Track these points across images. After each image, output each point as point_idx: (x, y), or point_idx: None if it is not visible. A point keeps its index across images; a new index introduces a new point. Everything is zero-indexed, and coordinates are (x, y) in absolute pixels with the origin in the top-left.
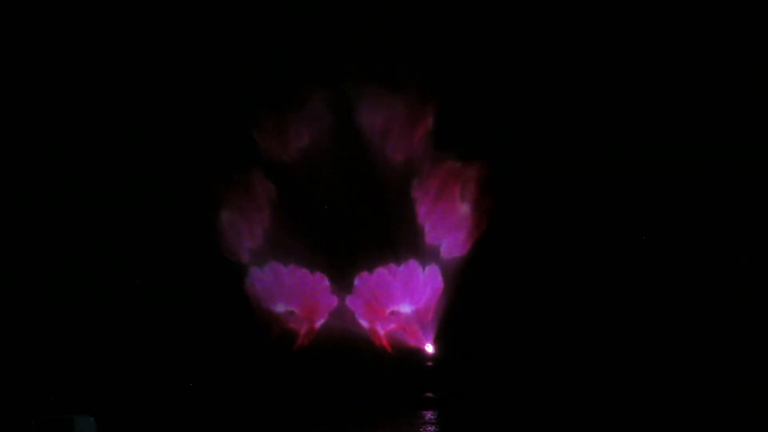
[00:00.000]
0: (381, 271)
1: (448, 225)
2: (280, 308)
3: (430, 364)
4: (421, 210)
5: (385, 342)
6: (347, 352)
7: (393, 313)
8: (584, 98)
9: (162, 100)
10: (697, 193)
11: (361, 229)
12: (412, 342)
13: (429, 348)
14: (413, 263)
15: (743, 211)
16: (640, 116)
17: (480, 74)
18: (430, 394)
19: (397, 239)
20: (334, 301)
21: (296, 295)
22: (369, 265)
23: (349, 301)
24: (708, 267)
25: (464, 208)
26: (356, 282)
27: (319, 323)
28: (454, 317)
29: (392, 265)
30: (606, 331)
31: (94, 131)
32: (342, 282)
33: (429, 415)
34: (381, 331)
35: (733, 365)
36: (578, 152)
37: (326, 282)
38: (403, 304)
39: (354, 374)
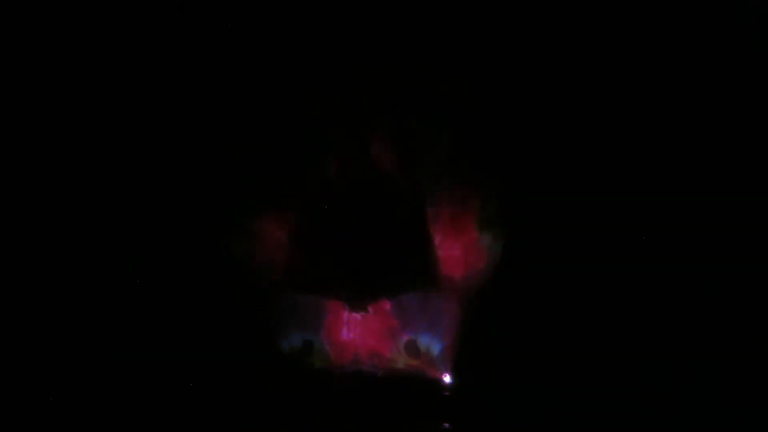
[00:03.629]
0: (397, 299)
1: (466, 253)
2: (298, 339)
3: (447, 393)
4: (438, 237)
5: (400, 370)
6: (361, 379)
7: (409, 341)
8: (614, 119)
9: (186, 129)
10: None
11: (378, 257)
12: (429, 371)
13: (446, 377)
14: (430, 292)
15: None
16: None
17: (497, 99)
18: (446, 425)
19: (414, 267)
20: (352, 329)
21: (315, 324)
22: (386, 292)
23: (364, 328)
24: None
25: (482, 236)
26: (371, 309)
27: (339, 352)
28: (472, 346)
29: (409, 294)
30: (633, 356)
31: (121, 166)
32: (359, 309)
33: None
34: (397, 359)
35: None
36: (601, 176)
37: (345, 310)
38: (420, 332)
39: (368, 402)
